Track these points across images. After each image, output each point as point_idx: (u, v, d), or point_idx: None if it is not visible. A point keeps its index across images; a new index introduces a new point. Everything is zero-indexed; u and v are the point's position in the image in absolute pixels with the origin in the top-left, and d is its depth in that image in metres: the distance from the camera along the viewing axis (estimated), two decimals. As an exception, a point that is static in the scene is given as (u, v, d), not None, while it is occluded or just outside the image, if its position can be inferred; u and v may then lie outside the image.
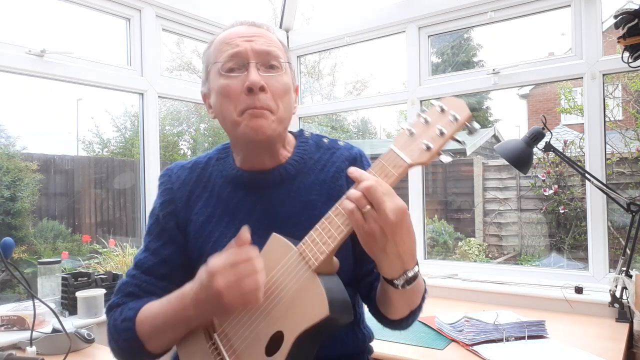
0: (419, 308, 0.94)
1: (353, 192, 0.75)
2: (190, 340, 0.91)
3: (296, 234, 0.83)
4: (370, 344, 1.08)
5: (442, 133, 0.75)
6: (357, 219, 0.74)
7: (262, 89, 0.90)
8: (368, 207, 0.73)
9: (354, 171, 0.77)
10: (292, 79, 0.99)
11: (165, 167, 1.11)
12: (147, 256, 1.01)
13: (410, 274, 0.80)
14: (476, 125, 0.75)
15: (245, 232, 0.80)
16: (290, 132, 1.07)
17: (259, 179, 0.99)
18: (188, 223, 1.01)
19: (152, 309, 0.91)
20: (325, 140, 1.06)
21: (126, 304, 0.97)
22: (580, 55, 2.12)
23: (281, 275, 0.81)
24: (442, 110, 0.77)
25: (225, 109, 0.93)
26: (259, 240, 0.86)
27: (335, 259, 0.81)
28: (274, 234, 0.86)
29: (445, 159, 0.77)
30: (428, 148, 0.75)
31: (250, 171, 1.00)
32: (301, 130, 1.09)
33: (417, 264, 0.82)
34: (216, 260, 0.78)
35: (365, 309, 1.06)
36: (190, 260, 1.00)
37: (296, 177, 0.99)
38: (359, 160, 1.03)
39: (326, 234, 0.79)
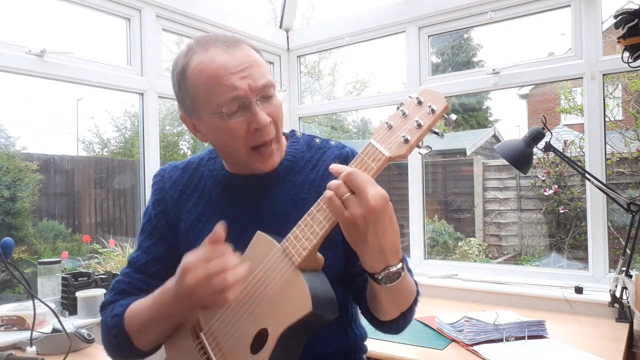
0: (409, 311, 0.93)
1: (333, 181, 0.76)
2: (177, 339, 0.92)
3: (286, 233, 0.83)
4: (364, 343, 1.08)
5: (419, 125, 0.75)
6: (337, 206, 0.74)
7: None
8: (348, 194, 0.73)
9: (334, 166, 0.78)
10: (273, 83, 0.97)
11: (160, 167, 1.12)
12: (139, 254, 1.03)
13: (392, 269, 0.79)
14: (453, 116, 0.76)
15: (219, 229, 0.80)
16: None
17: (249, 181, 0.99)
18: (179, 222, 1.02)
19: (139, 305, 0.93)
20: (317, 140, 1.06)
21: (117, 302, 0.98)
22: (580, 55, 2.12)
23: (265, 272, 0.82)
24: (420, 102, 0.77)
25: (231, 147, 0.92)
26: (248, 239, 0.86)
27: (319, 255, 0.81)
28: (258, 232, 0.86)
29: (423, 151, 0.77)
30: (406, 141, 0.75)
31: (241, 174, 1.00)
32: (293, 131, 1.09)
33: (401, 261, 0.81)
34: (189, 257, 0.79)
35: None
36: (181, 258, 1.00)
37: (286, 176, 1.00)
38: (351, 159, 1.01)
39: (309, 230, 0.79)
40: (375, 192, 0.73)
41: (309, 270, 0.79)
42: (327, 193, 0.76)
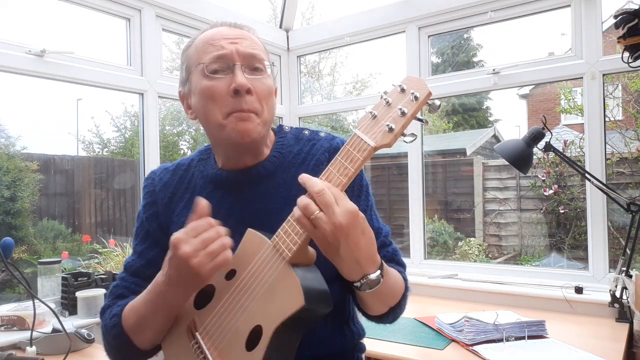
0: (399, 306, 0.94)
1: (302, 198, 0.76)
2: (174, 341, 0.92)
3: (277, 230, 0.83)
4: (362, 341, 1.08)
5: (403, 113, 0.75)
6: (305, 224, 0.75)
7: (248, 91, 0.89)
8: (317, 212, 0.73)
9: (302, 177, 0.77)
10: (273, 82, 0.99)
11: (150, 170, 1.12)
12: (134, 259, 1.03)
13: (371, 277, 0.80)
14: (437, 102, 0.75)
15: (202, 203, 0.83)
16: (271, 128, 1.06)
17: (237, 178, 0.99)
18: (170, 224, 1.01)
19: (135, 302, 0.93)
20: (306, 132, 1.05)
21: (115, 304, 0.99)
22: (580, 55, 2.12)
23: (257, 269, 0.81)
24: (403, 90, 0.77)
25: (210, 111, 0.92)
26: (239, 238, 0.86)
27: (311, 249, 0.81)
28: (249, 229, 0.86)
29: (409, 139, 0.77)
30: (390, 129, 0.75)
31: (230, 170, 0.99)
32: (280, 126, 1.08)
33: (380, 268, 0.82)
34: (178, 233, 0.80)
35: None
36: None
37: (275, 173, 0.99)
38: None
39: (298, 224, 0.78)
40: (343, 207, 0.74)
41: (301, 265, 0.79)
42: (296, 212, 0.76)
